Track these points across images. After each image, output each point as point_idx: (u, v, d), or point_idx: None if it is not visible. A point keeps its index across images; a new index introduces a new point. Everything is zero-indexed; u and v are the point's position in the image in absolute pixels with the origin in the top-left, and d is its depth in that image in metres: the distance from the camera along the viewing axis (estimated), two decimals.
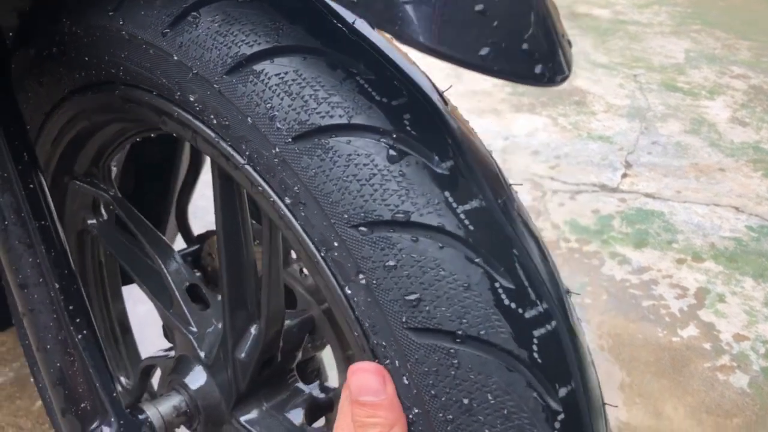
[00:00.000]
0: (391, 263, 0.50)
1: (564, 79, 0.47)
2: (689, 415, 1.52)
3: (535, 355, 0.50)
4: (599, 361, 1.60)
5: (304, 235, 0.53)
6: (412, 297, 0.50)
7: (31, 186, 0.71)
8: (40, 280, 0.70)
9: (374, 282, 0.51)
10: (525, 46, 0.45)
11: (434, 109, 0.54)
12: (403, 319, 0.50)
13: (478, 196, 0.52)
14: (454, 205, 0.51)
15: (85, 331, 0.72)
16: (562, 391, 0.50)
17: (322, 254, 0.54)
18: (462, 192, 0.52)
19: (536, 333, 0.50)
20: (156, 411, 0.78)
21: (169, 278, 0.84)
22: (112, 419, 0.71)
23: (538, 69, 0.46)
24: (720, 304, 1.81)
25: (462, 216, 0.51)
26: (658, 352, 1.66)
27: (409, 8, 0.45)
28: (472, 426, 0.50)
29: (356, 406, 0.52)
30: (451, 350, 0.50)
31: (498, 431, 0.50)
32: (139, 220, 0.87)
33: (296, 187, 0.53)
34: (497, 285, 0.50)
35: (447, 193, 0.51)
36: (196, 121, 0.58)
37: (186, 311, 0.83)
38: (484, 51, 0.45)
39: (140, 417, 0.75)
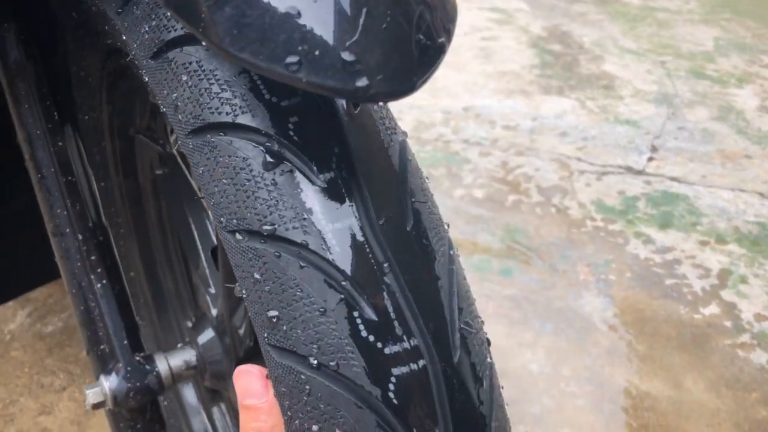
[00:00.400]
0: (257, 276, 0.40)
1: (402, 95, 0.34)
2: (709, 388, 1.35)
3: (391, 394, 0.38)
4: (621, 334, 1.44)
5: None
6: (272, 314, 0.39)
7: (60, 144, 0.71)
8: (68, 230, 0.71)
9: (244, 292, 0.41)
10: (346, 54, 0.33)
11: (328, 113, 0.43)
12: (265, 335, 0.40)
13: (354, 214, 0.40)
14: (323, 222, 0.39)
15: (104, 281, 0.71)
16: None
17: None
18: (336, 209, 0.40)
19: (395, 371, 0.38)
20: (166, 363, 0.73)
21: (197, 240, 0.80)
22: (120, 365, 0.70)
23: (360, 82, 0.34)
24: (742, 285, 1.61)
25: (329, 235, 0.39)
26: (680, 327, 1.49)
27: (211, 8, 0.34)
28: None
29: (242, 410, 0.44)
30: (303, 375, 0.39)
31: None
32: (184, 179, 0.83)
33: (197, 184, 0.44)
34: (356, 314, 0.38)
35: (318, 209, 0.39)
36: (157, 103, 0.49)
37: (207, 273, 0.79)
38: (291, 59, 0.33)
39: (148, 366, 0.71)
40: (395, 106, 2.46)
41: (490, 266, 1.65)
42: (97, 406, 0.70)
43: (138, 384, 0.70)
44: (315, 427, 0.39)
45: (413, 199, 0.42)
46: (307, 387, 0.39)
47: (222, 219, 0.41)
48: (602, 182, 1.99)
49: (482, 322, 0.44)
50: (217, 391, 0.98)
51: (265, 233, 0.39)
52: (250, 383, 0.43)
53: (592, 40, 2.92)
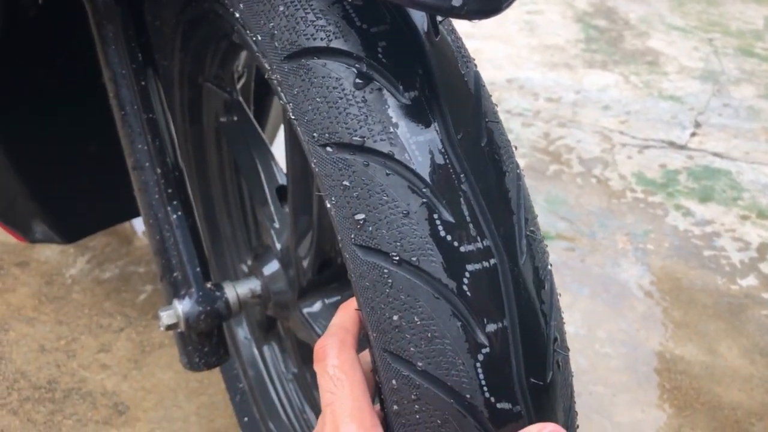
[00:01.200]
0: (346, 183, 0.45)
1: (491, 14, 0.39)
2: (742, 355, 1.38)
3: (465, 287, 0.43)
4: (657, 300, 1.48)
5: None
6: (359, 217, 0.45)
7: (143, 83, 0.76)
8: (147, 164, 0.75)
9: (333, 199, 0.46)
10: None
11: (413, 39, 0.48)
12: (352, 236, 0.45)
13: (435, 129, 0.45)
14: (407, 135, 0.44)
15: (179, 212, 0.77)
16: (491, 327, 0.43)
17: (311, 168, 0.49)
18: (418, 123, 0.45)
19: (469, 267, 0.43)
20: (234, 290, 0.80)
21: (263, 178, 0.85)
22: (193, 290, 0.76)
23: (456, 2, 0.39)
24: None
25: (413, 147, 0.44)
26: (716, 297, 1.51)
27: None
28: (400, 342, 0.44)
29: (319, 373, 0.48)
30: (386, 270, 0.44)
31: (422, 351, 0.44)
32: (250, 123, 0.89)
33: (290, 105, 0.49)
34: (435, 216, 0.43)
35: (403, 123, 0.44)
36: (246, 36, 0.54)
37: (272, 209, 0.84)
38: None
39: (218, 293, 0.78)
40: None
41: None
42: (170, 327, 0.76)
43: (208, 308, 0.76)
44: (395, 317, 0.44)
45: (487, 119, 0.46)
46: (390, 280, 0.44)
47: (315, 134, 0.46)
48: (643, 155, 2.01)
49: (546, 244, 0.49)
50: (268, 330, 1.04)
51: (355, 144, 0.44)
52: (330, 350, 0.47)
53: (638, 16, 2.91)
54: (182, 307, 0.75)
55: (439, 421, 0.44)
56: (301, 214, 0.74)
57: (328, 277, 0.78)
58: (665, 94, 2.33)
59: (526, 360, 0.44)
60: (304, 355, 0.92)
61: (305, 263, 0.77)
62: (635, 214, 1.77)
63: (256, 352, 1.05)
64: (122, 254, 1.56)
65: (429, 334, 0.43)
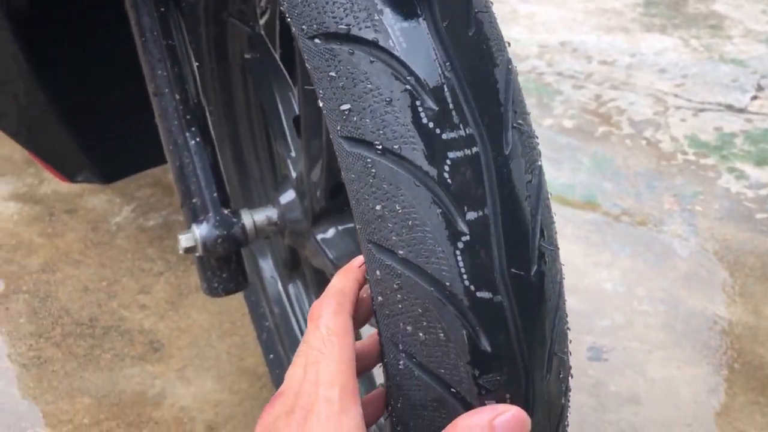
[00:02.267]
0: (332, 74, 0.46)
1: None
2: None
3: (446, 175, 0.43)
4: (702, 261, 1.44)
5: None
6: (345, 107, 0.45)
7: (162, 9, 0.77)
8: (166, 90, 0.77)
9: (321, 92, 0.47)
10: None
11: None
12: (338, 128, 0.46)
13: (420, 15, 0.45)
14: (392, 21, 0.45)
15: (198, 139, 0.79)
16: (471, 215, 0.43)
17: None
18: (404, 10, 0.45)
19: (451, 155, 0.44)
20: (250, 217, 0.81)
21: (281, 109, 0.87)
22: (210, 215, 0.78)
23: None
24: None
25: (397, 33, 0.45)
26: (765, 259, 1.47)
27: None
28: (382, 231, 0.45)
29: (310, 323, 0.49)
30: (369, 160, 0.45)
31: (403, 239, 0.44)
32: (272, 57, 0.90)
33: (284, 1, 0.49)
34: (418, 103, 0.44)
35: (388, 10, 0.45)
36: None
37: (289, 139, 0.85)
38: None
39: (234, 219, 0.80)
40: None
41: (573, 192, 1.67)
42: (188, 251, 0.79)
43: (225, 233, 0.78)
44: (378, 207, 0.45)
45: (476, 10, 0.46)
46: (373, 170, 0.45)
47: (303, 27, 0.47)
48: (698, 118, 1.95)
49: (537, 141, 0.49)
50: (293, 268, 1.06)
51: (341, 33, 0.45)
52: (326, 310, 0.48)
53: None
54: (199, 231, 0.78)
55: (419, 310, 0.45)
56: (312, 138, 0.75)
57: (341, 202, 0.79)
58: (727, 57, 2.25)
59: (507, 250, 0.44)
60: (321, 286, 0.94)
61: (318, 189, 0.79)
62: (685, 176, 1.72)
63: (281, 290, 1.08)
64: (166, 204, 1.61)
65: (410, 222, 0.44)
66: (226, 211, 0.79)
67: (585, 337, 1.27)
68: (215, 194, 0.79)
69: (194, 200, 0.79)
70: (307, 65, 0.48)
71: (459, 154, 0.44)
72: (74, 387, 1.16)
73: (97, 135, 1.12)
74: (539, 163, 0.48)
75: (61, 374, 1.19)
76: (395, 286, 0.46)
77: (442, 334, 0.45)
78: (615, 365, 1.21)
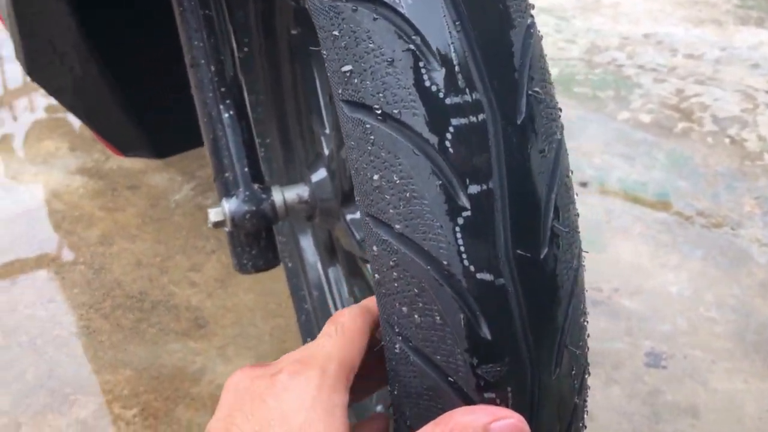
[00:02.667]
0: (335, 33, 0.43)
1: None
2: None
3: (447, 143, 0.40)
4: None
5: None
6: (346, 68, 0.42)
7: None
8: (202, 61, 0.77)
9: (325, 53, 0.44)
10: None
11: None
12: (339, 91, 0.43)
13: None
14: None
15: (231, 112, 0.78)
16: (473, 188, 0.40)
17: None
18: None
19: (454, 121, 0.40)
20: (281, 194, 0.80)
21: (318, 85, 0.86)
22: (240, 189, 0.77)
23: None
24: None
25: None
26: None
27: None
28: (380, 203, 0.42)
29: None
30: (368, 125, 0.42)
31: (400, 213, 0.41)
32: (314, 33, 0.87)
33: None
34: (421, 65, 0.40)
35: None
36: None
37: (324, 114, 0.84)
38: None
39: (264, 195, 0.78)
40: (569, 30, 2.38)
41: (645, 189, 1.58)
42: (217, 225, 0.78)
43: (254, 208, 0.77)
44: (376, 176, 0.42)
45: None
46: (372, 137, 0.42)
47: None
48: None
49: (560, 109, 0.44)
50: (333, 252, 1.04)
51: None
52: (349, 312, 0.48)
53: None
54: (228, 205, 0.77)
55: (416, 290, 0.42)
56: None
57: None
58: None
59: (514, 229, 0.41)
60: (351, 269, 0.91)
61: (347, 167, 0.76)
62: None
63: (321, 273, 1.06)
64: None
65: (407, 194, 0.41)
66: (256, 186, 0.78)
67: (643, 342, 1.20)
68: (246, 169, 0.78)
69: (226, 174, 0.78)
70: (315, 25, 0.46)
71: (463, 121, 0.40)
72: (118, 358, 1.18)
73: (150, 110, 1.13)
74: (558, 136, 0.43)
75: (107, 345, 1.21)
76: (391, 263, 0.43)
77: (438, 317, 0.42)
78: (674, 373, 1.14)
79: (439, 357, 0.42)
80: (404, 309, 0.43)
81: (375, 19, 0.41)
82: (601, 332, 1.24)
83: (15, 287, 1.33)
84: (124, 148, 1.19)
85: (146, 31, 1.07)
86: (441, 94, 0.40)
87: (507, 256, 0.41)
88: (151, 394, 1.12)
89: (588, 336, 0.47)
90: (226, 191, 0.78)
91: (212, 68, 0.77)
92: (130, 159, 1.61)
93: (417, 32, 0.41)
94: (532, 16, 0.45)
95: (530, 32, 0.43)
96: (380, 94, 0.41)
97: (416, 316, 0.43)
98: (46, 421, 1.08)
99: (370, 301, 0.50)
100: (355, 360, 0.46)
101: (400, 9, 0.41)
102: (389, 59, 0.41)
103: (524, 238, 0.41)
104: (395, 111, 0.41)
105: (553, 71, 2.11)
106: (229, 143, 0.78)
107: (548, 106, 0.43)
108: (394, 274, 0.43)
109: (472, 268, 0.41)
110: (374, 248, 0.43)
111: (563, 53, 2.25)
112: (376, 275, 0.44)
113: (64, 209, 1.55)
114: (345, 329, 0.47)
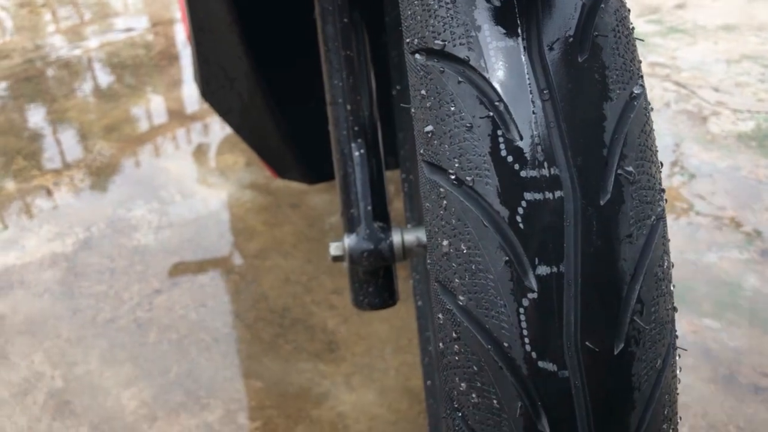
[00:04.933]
0: (423, 92, 0.42)
1: None
2: None
3: (518, 218, 0.37)
4: None
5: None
6: (428, 129, 0.42)
7: (345, 20, 0.78)
8: (340, 100, 0.80)
9: (413, 110, 0.44)
10: None
11: None
12: (422, 151, 0.42)
13: (521, 34, 0.40)
14: (488, 39, 0.40)
15: (362, 150, 0.80)
16: (542, 269, 0.37)
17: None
18: (504, 27, 0.40)
19: (528, 196, 0.37)
20: (400, 236, 0.80)
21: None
22: (362, 226, 0.78)
23: None
24: None
25: (491, 53, 0.40)
26: None
27: None
28: (447, 271, 0.40)
29: None
30: (442, 189, 0.40)
31: (465, 284, 0.39)
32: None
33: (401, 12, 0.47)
34: (499, 133, 0.38)
35: (486, 26, 0.40)
36: None
37: None
38: None
39: (383, 234, 0.79)
40: None
41: None
42: (336, 259, 0.80)
43: (372, 247, 0.77)
44: (445, 242, 0.40)
45: (596, 33, 0.40)
46: (444, 202, 0.40)
47: (408, 40, 0.44)
48: None
49: (663, 193, 0.40)
50: None
51: (436, 49, 0.41)
52: None
53: None
54: (348, 241, 0.78)
55: (475, 368, 0.40)
56: None
57: None
58: None
59: (584, 318, 0.37)
60: None
61: None
62: None
63: None
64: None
65: (473, 266, 0.39)
66: (377, 226, 0.78)
67: None
68: (369, 207, 0.78)
69: (351, 210, 0.80)
70: (410, 80, 0.45)
71: (538, 196, 0.37)
72: (252, 370, 1.24)
73: (305, 139, 1.18)
74: (651, 221, 0.39)
75: (244, 355, 1.27)
76: (454, 334, 0.41)
77: (495, 401, 0.39)
78: None
79: None
80: (463, 385, 0.41)
81: (460, 82, 0.40)
82: (759, 424, 1.11)
83: (176, 288, 1.44)
84: (280, 170, 1.26)
85: (310, 64, 1.12)
86: (516, 166, 0.38)
87: (574, 347, 0.38)
88: (275, 410, 1.16)
89: None
90: (350, 227, 0.79)
91: (348, 107, 0.79)
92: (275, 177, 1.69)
93: (498, 98, 0.39)
94: (642, 87, 0.42)
95: (632, 105, 0.40)
96: (456, 159, 0.40)
97: (474, 395, 0.40)
98: (178, 420, 1.15)
99: None
100: None
101: (485, 74, 0.39)
102: (469, 124, 0.39)
103: (595, 330, 0.37)
104: (468, 178, 0.39)
105: (748, 125, 1.94)
106: (356, 180, 0.79)
107: (643, 187, 0.39)
108: (456, 346, 0.41)
109: (534, 354, 0.38)
110: (440, 316, 0.42)
111: (763, 105, 2.06)
112: (440, 344, 0.42)
113: (230, 220, 1.66)
114: None
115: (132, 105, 2.18)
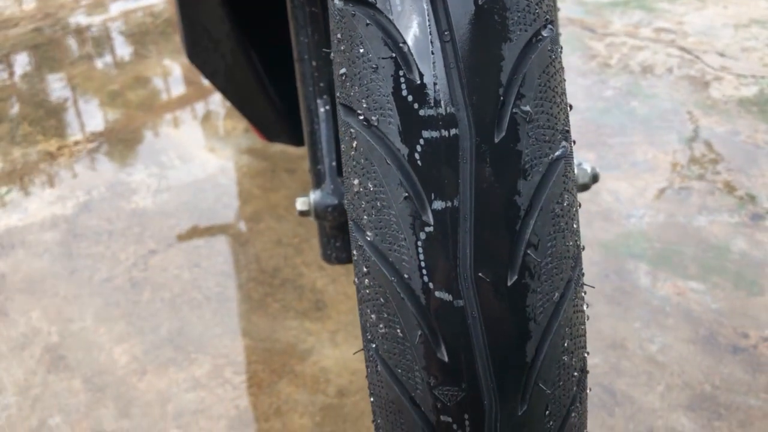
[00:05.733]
0: (339, 36, 0.44)
1: None
2: None
3: (416, 155, 0.39)
4: None
5: None
6: (342, 71, 0.43)
7: None
8: (306, 56, 0.81)
9: (332, 55, 0.46)
10: None
11: None
12: (338, 94, 0.44)
13: None
14: None
15: (327, 107, 0.81)
16: (438, 204, 0.39)
17: None
18: None
19: (426, 134, 0.39)
20: None
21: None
22: (326, 183, 0.81)
23: None
24: None
25: None
26: None
27: None
28: (358, 209, 0.42)
29: None
30: (352, 130, 0.42)
31: (372, 221, 0.41)
32: None
33: None
34: (401, 74, 0.40)
35: None
36: None
37: None
38: None
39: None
40: None
41: None
42: (302, 214, 0.82)
43: (336, 202, 0.79)
44: (356, 182, 0.42)
45: None
46: (355, 142, 0.42)
47: None
48: None
49: (568, 133, 0.41)
50: None
51: None
52: None
53: None
54: (314, 196, 0.80)
55: (382, 300, 0.42)
56: None
57: None
58: None
59: (477, 251, 0.39)
60: None
61: None
62: None
63: None
64: None
65: (379, 203, 0.41)
66: (342, 181, 0.80)
67: None
68: (334, 163, 0.80)
69: (318, 166, 0.81)
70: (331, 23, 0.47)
71: (435, 134, 0.39)
72: (240, 327, 1.27)
73: (291, 100, 1.20)
74: (549, 159, 0.40)
75: (234, 313, 1.30)
76: (365, 269, 0.43)
77: (399, 331, 0.41)
78: None
79: (399, 371, 0.42)
80: (373, 317, 0.43)
81: (368, 24, 0.41)
82: (735, 383, 1.12)
83: (171, 249, 1.48)
84: (268, 134, 1.27)
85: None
86: (416, 105, 0.39)
87: (470, 279, 0.39)
88: (261, 365, 1.19)
89: (578, 377, 0.43)
90: (316, 183, 0.81)
91: (313, 63, 0.80)
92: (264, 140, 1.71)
93: (401, 40, 0.40)
94: (552, 30, 0.43)
95: (534, 46, 0.41)
96: (364, 100, 0.41)
97: (382, 326, 0.42)
98: (167, 373, 1.19)
99: None
100: None
101: (390, 16, 0.41)
102: (374, 66, 0.41)
103: (489, 262, 0.39)
104: (374, 118, 0.41)
105: (751, 90, 1.91)
106: (322, 136, 0.81)
107: (541, 126, 0.40)
108: (366, 280, 0.43)
109: (431, 285, 0.40)
110: (354, 252, 0.44)
111: None
112: (355, 279, 0.44)
113: (227, 184, 1.69)
114: None
115: (138, 72, 2.21)
